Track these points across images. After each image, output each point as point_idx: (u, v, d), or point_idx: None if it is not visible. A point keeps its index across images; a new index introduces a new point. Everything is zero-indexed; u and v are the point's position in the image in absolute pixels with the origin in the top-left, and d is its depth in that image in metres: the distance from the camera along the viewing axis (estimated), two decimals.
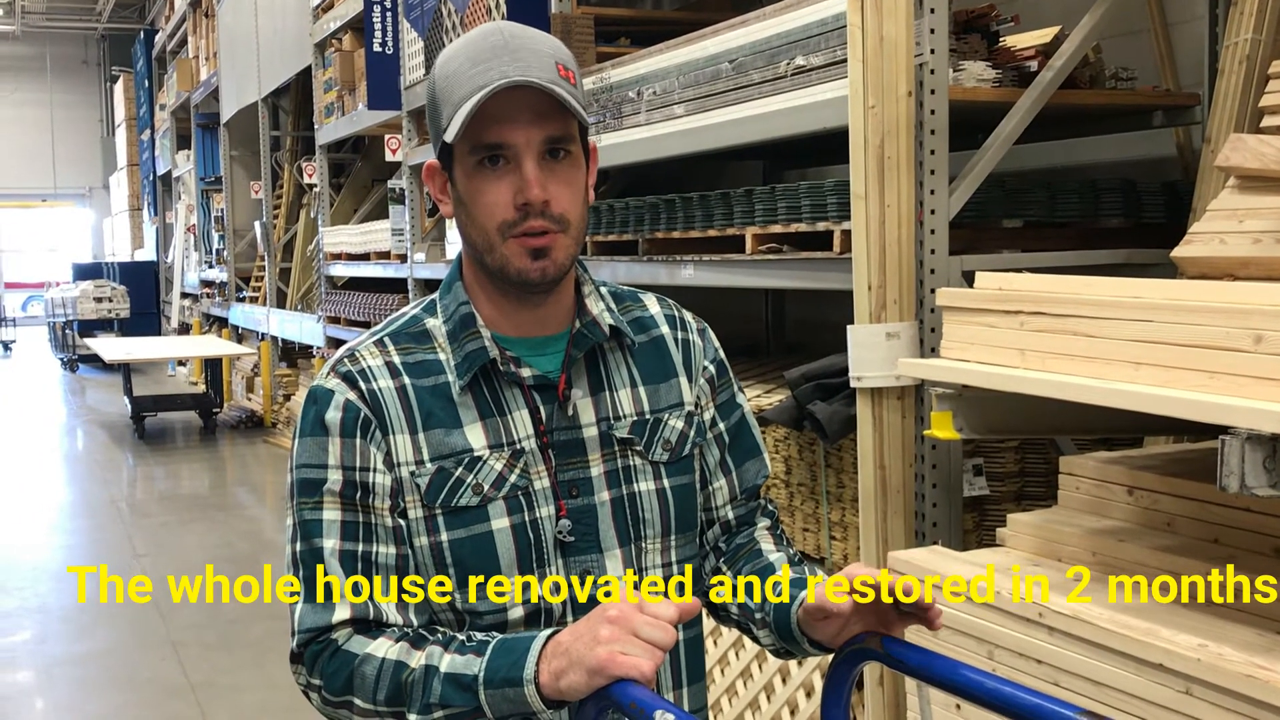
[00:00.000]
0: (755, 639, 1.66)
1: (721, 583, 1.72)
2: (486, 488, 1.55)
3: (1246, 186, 2.76)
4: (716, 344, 1.78)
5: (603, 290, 1.70)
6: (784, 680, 4.01)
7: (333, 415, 1.55)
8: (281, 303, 13.55)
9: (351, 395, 1.55)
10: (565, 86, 1.51)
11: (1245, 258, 2.67)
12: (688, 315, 1.77)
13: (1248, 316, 2.20)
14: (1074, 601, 2.50)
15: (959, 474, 3.45)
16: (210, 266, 17.62)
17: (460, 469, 1.54)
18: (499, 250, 1.54)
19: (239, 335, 15.52)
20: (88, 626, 6.56)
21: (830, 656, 1.54)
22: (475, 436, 1.56)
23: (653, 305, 1.75)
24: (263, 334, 13.68)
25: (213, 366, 13.98)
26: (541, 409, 1.58)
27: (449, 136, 1.51)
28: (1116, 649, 2.34)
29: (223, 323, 16.51)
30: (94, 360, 16.77)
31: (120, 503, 9.79)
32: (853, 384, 3.42)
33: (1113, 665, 2.35)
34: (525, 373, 1.58)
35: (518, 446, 1.57)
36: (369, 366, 1.58)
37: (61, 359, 20.75)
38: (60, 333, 21.02)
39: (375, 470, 1.54)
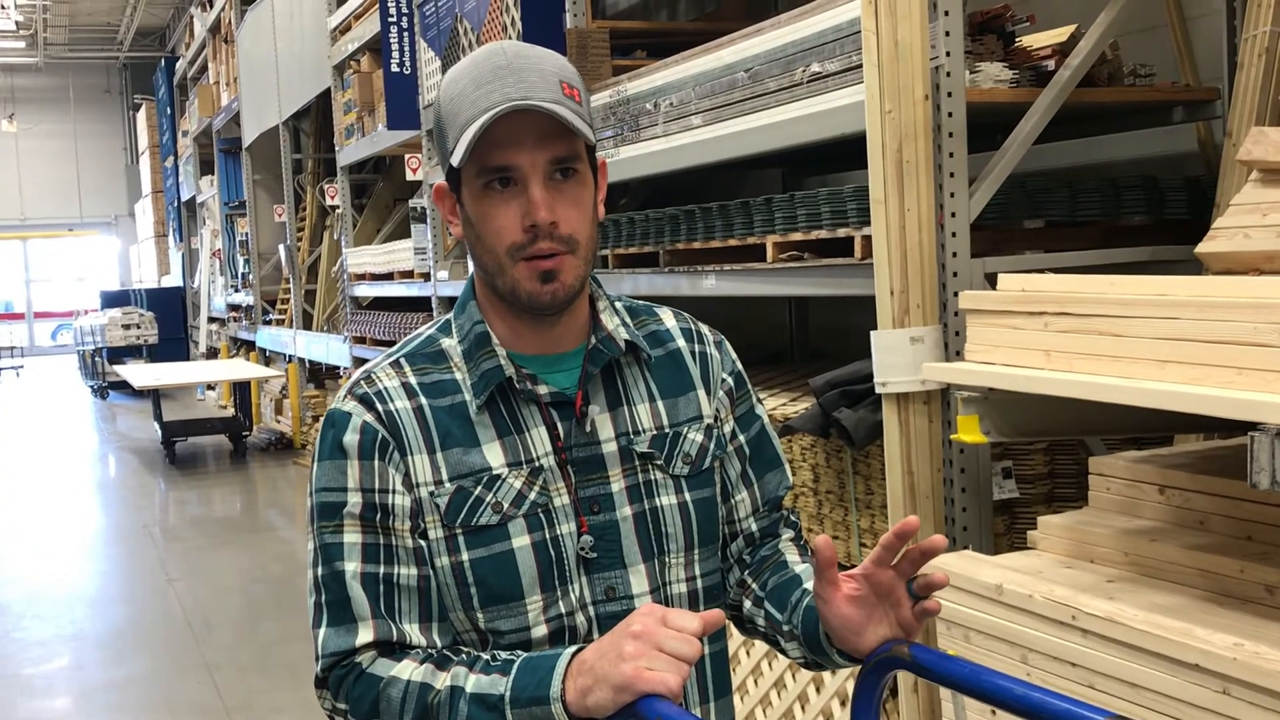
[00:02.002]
0: (783, 651, 1.65)
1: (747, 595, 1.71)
2: (506, 506, 1.54)
3: (1269, 180, 2.73)
4: (734, 356, 1.77)
5: (618, 305, 1.70)
6: (818, 690, 3.99)
7: (350, 438, 1.55)
8: (308, 324, 13.61)
9: (369, 417, 1.55)
10: (570, 105, 1.50)
11: (1270, 251, 2.64)
12: (704, 328, 1.77)
13: (1274, 311, 2.18)
14: (1104, 602, 2.47)
15: (988, 477, 3.43)
16: (236, 290, 17.71)
17: (479, 488, 1.54)
18: (509, 273, 1.54)
19: (266, 358, 15.59)
20: (124, 652, 6.59)
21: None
22: (493, 455, 1.55)
23: (668, 319, 1.74)
24: (290, 356, 13.73)
25: (241, 390, 14.04)
26: (559, 426, 1.58)
27: (455, 161, 1.51)
28: (1151, 650, 2.32)
29: (250, 346, 16.59)
30: (124, 387, 16.87)
31: (153, 528, 9.85)
32: (878, 390, 3.41)
33: (1148, 667, 2.33)
34: (542, 390, 1.58)
35: (536, 464, 1.56)
36: (385, 388, 1.58)
37: (92, 386, 20.89)
38: (90, 360, 21.17)
39: (394, 491, 1.54)
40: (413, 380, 1.59)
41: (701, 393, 1.70)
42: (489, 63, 1.52)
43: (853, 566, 3.71)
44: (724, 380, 1.73)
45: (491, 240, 1.54)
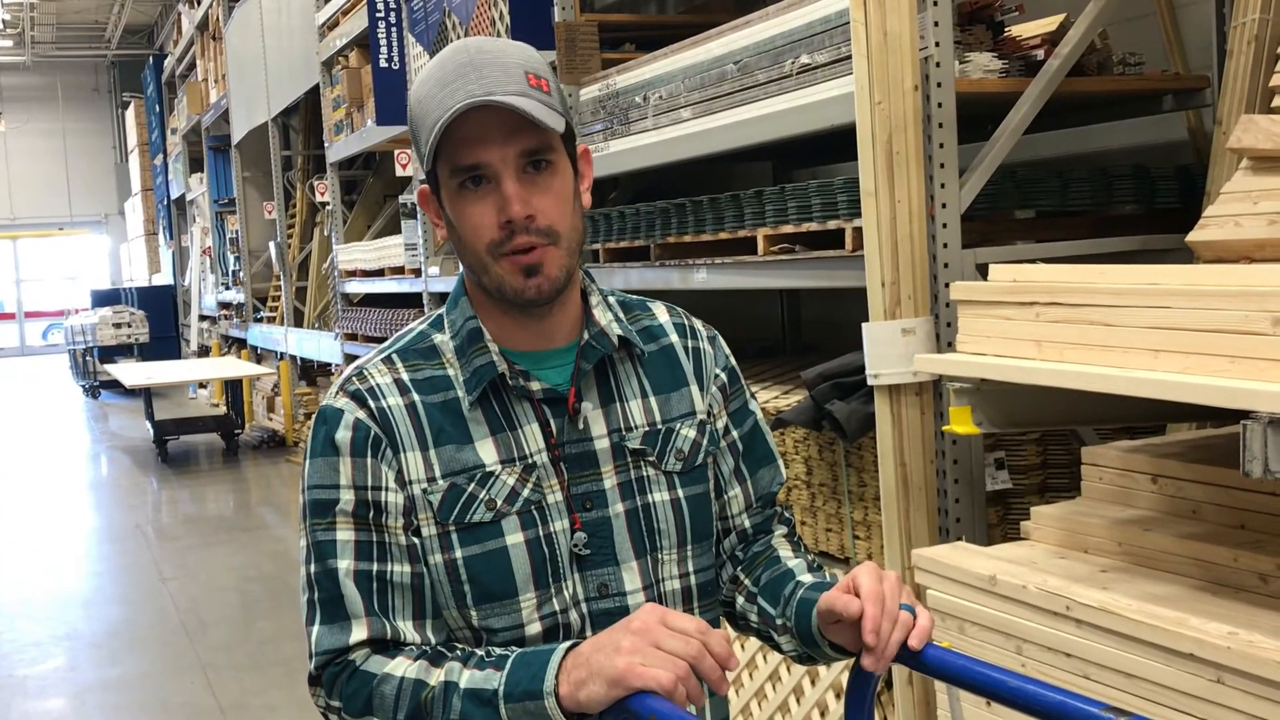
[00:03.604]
0: (776, 646, 1.65)
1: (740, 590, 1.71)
2: (500, 503, 1.54)
3: (1260, 168, 2.73)
4: (727, 351, 1.76)
5: (610, 300, 1.69)
6: (812, 683, 3.99)
7: (343, 435, 1.54)
8: (299, 321, 13.59)
9: (361, 414, 1.55)
10: (537, 96, 1.50)
11: (1261, 239, 2.64)
12: (697, 323, 1.76)
13: (1265, 299, 2.18)
14: (1098, 592, 2.47)
15: (981, 468, 3.43)
16: (227, 288, 17.68)
17: (473, 485, 1.54)
18: (492, 270, 1.53)
19: (258, 355, 15.56)
20: (118, 652, 6.58)
21: None
22: (486, 452, 1.55)
23: (662, 314, 1.73)
24: (281, 353, 13.71)
25: (233, 388, 14.03)
26: (552, 422, 1.57)
27: (423, 163, 1.52)
28: (1146, 640, 2.32)
29: (241, 344, 16.56)
30: (115, 386, 16.84)
31: (145, 527, 9.83)
32: (870, 382, 3.40)
33: (1143, 656, 2.33)
34: (534, 386, 1.57)
35: (529, 461, 1.56)
36: (377, 384, 1.57)
37: (83, 386, 20.85)
38: (81, 360, 21.12)
39: (387, 489, 1.53)
40: (405, 376, 1.58)
41: (694, 388, 1.69)
42: (452, 61, 1.52)
43: (847, 560, 3.69)
44: (717, 376, 1.72)
45: (470, 239, 1.54)
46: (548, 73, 1.55)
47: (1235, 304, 2.23)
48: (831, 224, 3.76)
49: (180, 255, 22.42)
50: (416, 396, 1.56)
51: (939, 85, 3.30)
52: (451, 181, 1.53)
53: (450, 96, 1.48)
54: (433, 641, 1.53)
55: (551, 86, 1.54)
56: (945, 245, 3.31)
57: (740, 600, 1.70)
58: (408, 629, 1.52)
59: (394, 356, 1.61)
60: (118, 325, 19.83)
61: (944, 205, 3.31)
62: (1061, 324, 2.61)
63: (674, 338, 1.71)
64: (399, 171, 9.14)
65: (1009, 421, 3.02)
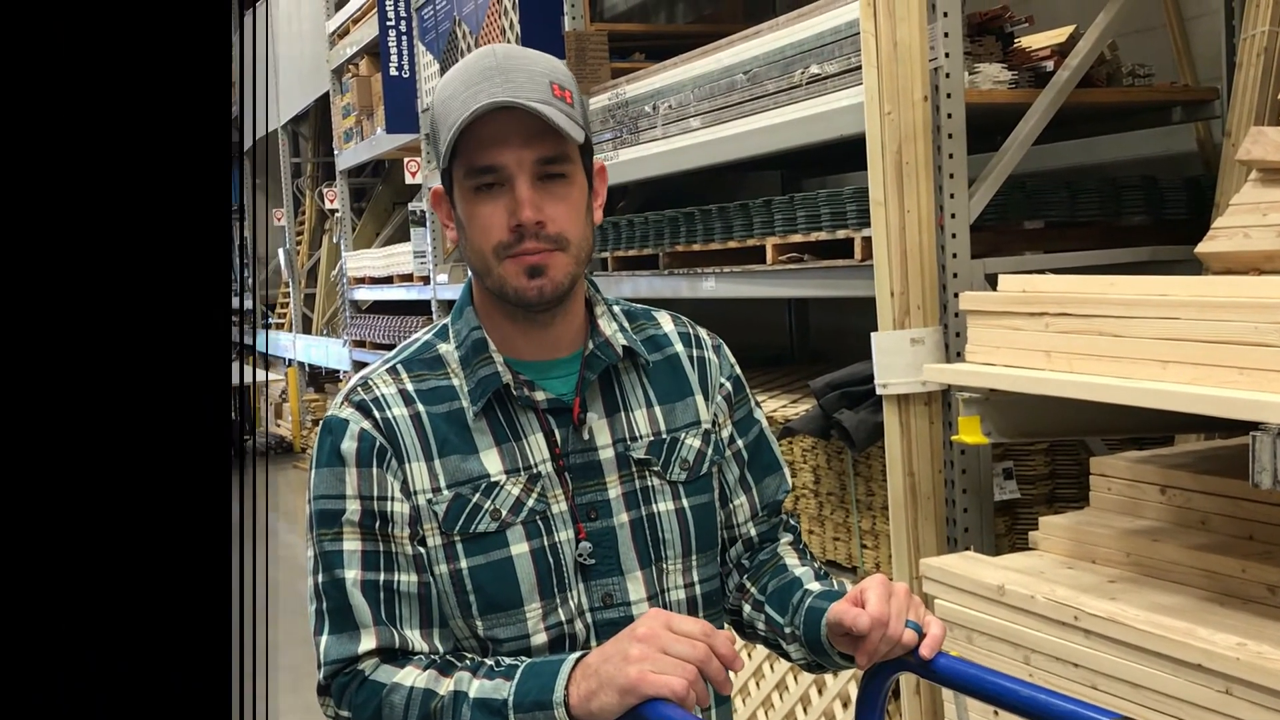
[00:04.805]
0: (784, 654, 1.65)
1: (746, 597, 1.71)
2: (504, 513, 1.54)
3: (1269, 179, 2.73)
4: (732, 360, 1.76)
5: (615, 309, 1.69)
6: (819, 692, 3.99)
7: (348, 445, 1.54)
8: (307, 328, 13.61)
9: (366, 424, 1.55)
10: (560, 106, 1.50)
11: (1270, 251, 2.64)
12: (702, 332, 1.76)
13: (1275, 310, 2.18)
14: (1106, 602, 2.47)
15: (989, 478, 3.43)
16: (235, 294, 17.70)
17: (477, 495, 1.54)
18: (496, 272, 1.53)
19: (266, 362, 15.58)
20: None
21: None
22: (491, 462, 1.55)
23: (667, 323, 1.73)
24: (290, 360, 13.73)
25: (241, 394, 14.02)
26: (556, 432, 1.57)
27: (440, 162, 1.53)
28: (1154, 650, 2.32)
29: (249, 350, 16.57)
30: None
31: None
32: (878, 391, 3.40)
33: (1151, 667, 2.33)
34: (539, 396, 1.57)
35: (534, 471, 1.56)
36: (382, 395, 1.57)
37: None
38: None
39: (393, 499, 1.53)
40: (410, 387, 1.58)
41: (699, 398, 1.69)
42: (479, 64, 1.52)
43: (854, 569, 3.69)
44: (722, 385, 1.72)
45: (478, 240, 1.54)
46: (573, 86, 1.55)
47: (1244, 315, 2.23)
48: (840, 233, 3.76)
49: None
50: (421, 407, 1.56)
51: (948, 96, 3.30)
52: (466, 182, 1.53)
53: (473, 97, 1.48)
54: (441, 650, 1.53)
55: (575, 99, 1.54)
56: (954, 255, 3.31)
57: (747, 608, 1.70)
58: (415, 638, 1.52)
59: (399, 367, 1.61)
60: None
61: (953, 215, 3.31)
62: (1070, 334, 2.62)
63: (679, 347, 1.71)
64: (408, 179, 9.16)
65: (1017, 431, 3.03)
